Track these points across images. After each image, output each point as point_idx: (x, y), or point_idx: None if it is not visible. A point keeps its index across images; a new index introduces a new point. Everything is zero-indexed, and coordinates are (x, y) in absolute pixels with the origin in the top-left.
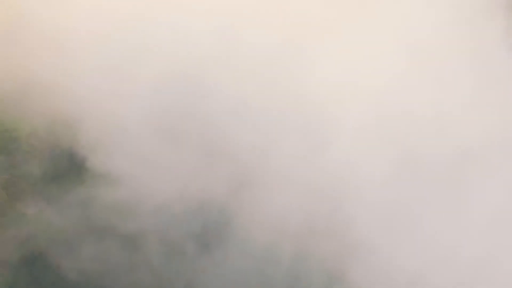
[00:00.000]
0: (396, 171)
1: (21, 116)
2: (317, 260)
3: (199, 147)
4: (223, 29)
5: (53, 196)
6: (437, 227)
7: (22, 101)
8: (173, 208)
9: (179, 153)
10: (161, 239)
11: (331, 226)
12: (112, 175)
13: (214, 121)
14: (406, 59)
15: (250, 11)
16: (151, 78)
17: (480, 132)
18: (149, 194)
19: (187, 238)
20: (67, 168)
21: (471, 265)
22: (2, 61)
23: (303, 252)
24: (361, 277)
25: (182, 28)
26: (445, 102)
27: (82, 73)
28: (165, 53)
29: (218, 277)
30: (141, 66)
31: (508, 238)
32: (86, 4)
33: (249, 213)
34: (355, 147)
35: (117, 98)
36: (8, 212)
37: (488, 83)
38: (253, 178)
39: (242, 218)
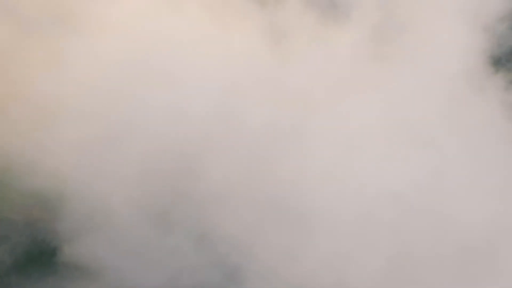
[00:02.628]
0: (391, 266)
1: None
2: None
3: (189, 234)
4: (217, 109)
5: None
6: None
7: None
8: None
9: (168, 241)
10: None
11: None
12: (92, 266)
13: (205, 206)
14: (399, 144)
15: (245, 93)
16: (140, 158)
17: (482, 223)
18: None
19: None
20: (41, 256)
21: None
22: None
23: None
24: None
25: (175, 105)
26: (442, 190)
27: (66, 151)
28: (156, 131)
29: None
30: (129, 144)
31: None
32: (76, 81)
33: None
34: (346, 240)
35: (103, 178)
36: None
37: (489, 168)
38: (243, 271)
39: None
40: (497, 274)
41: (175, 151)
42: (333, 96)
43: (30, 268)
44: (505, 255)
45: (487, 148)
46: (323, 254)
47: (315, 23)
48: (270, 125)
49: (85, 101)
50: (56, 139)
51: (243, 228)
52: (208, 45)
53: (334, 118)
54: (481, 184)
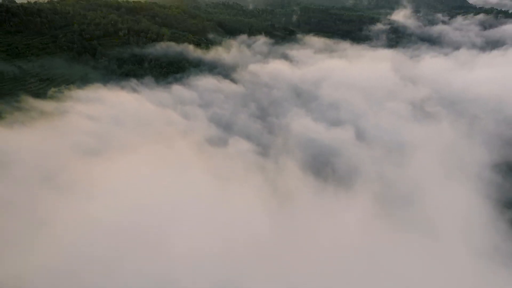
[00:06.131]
0: None
1: None
2: None
3: None
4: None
5: None
6: None
7: None
8: None
9: None
10: None
11: None
12: None
13: None
14: None
15: (246, 265)
16: None
17: None
18: None
19: None
20: None
21: None
22: None
23: None
24: None
25: (168, 278)
26: None
27: None
28: None
29: None
30: None
31: None
32: (62, 245)
33: None
34: None
35: None
36: None
37: None
38: None
39: None
40: None
41: None
42: (341, 271)
43: None
44: None
45: None
46: None
47: (315, 189)
48: None
49: (67, 270)
50: None
51: None
52: (208, 209)
53: None
54: None
